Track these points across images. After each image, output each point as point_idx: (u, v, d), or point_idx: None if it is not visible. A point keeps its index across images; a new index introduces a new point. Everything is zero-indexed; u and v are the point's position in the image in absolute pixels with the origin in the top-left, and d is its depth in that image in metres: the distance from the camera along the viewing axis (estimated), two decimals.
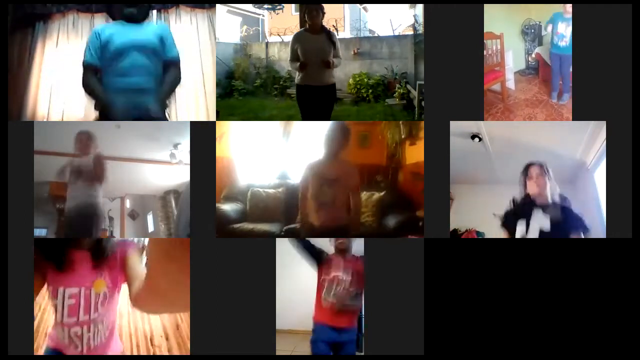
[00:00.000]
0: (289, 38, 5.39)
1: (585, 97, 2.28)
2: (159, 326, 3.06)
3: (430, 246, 2.22)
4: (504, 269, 2.19)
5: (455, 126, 2.30)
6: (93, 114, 2.69)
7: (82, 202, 2.80)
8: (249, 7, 6.76)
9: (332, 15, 5.17)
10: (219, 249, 2.22)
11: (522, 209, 2.20)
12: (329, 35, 2.85)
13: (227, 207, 3.47)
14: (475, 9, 2.31)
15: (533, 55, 3.03)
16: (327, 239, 2.44)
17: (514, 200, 2.23)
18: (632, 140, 2.23)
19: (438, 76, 2.30)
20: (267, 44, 6.14)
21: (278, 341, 2.21)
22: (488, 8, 2.33)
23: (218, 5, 4.28)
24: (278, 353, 2.22)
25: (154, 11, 3.33)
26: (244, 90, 5.64)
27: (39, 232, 3.31)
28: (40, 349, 2.06)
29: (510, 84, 2.94)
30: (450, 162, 2.26)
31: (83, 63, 2.47)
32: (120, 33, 2.45)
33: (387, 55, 5.41)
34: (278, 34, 6.30)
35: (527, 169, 2.20)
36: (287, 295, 2.37)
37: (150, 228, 5.08)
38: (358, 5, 6.43)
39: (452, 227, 2.29)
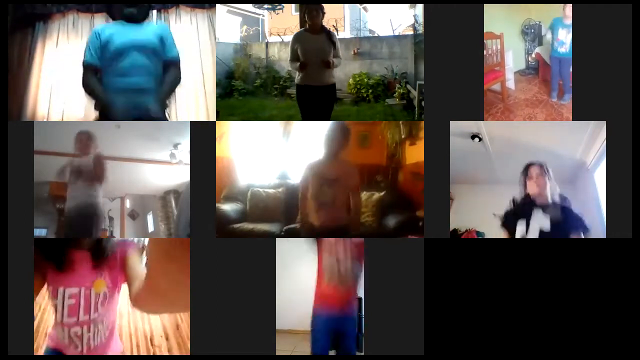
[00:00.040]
0: (289, 38, 5.39)
1: (585, 97, 2.28)
2: (159, 326, 3.06)
3: (430, 246, 2.22)
4: (504, 269, 2.19)
5: (455, 126, 2.30)
6: (93, 114, 2.69)
7: (82, 202, 2.80)
8: (249, 7, 6.77)
9: (332, 15, 5.17)
10: (219, 249, 2.22)
11: (522, 209, 2.20)
12: (329, 35, 2.85)
13: (227, 207, 3.47)
14: (475, 9, 2.31)
15: (533, 55, 3.03)
16: None
17: (514, 200, 2.23)
18: (632, 140, 2.23)
19: (438, 76, 2.30)
20: (267, 44, 6.14)
21: (278, 341, 2.21)
22: (488, 8, 2.33)
23: (218, 5, 4.29)
24: (278, 353, 2.22)
25: (154, 11, 3.33)
26: (244, 90, 5.64)
27: (39, 232, 3.31)
28: (40, 349, 2.06)
29: (510, 84, 2.94)
30: (450, 162, 2.26)
31: (83, 63, 2.47)
32: (120, 33, 2.45)
33: (387, 55, 5.41)
34: (278, 34, 6.30)
35: (527, 169, 2.20)
36: (287, 295, 2.37)
37: (150, 228, 5.08)
38: (358, 5, 6.43)
39: (452, 227, 2.29)
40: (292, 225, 2.89)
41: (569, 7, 2.46)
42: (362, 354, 2.26)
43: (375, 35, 5.90)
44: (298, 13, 4.93)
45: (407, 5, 4.90)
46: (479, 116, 2.33)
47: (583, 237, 2.14)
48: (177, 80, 2.57)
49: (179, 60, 2.56)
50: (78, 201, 2.80)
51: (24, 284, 2.15)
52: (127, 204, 5.09)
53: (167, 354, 2.75)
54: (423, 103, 2.38)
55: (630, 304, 2.15)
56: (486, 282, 2.19)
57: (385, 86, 5.23)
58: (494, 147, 2.69)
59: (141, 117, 2.43)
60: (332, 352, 2.56)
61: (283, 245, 2.31)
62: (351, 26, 6.56)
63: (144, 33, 2.47)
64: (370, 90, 5.20)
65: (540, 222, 2.15)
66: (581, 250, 2.18)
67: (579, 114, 2.29)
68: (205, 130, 2.34)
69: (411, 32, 5.15)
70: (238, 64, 5.85)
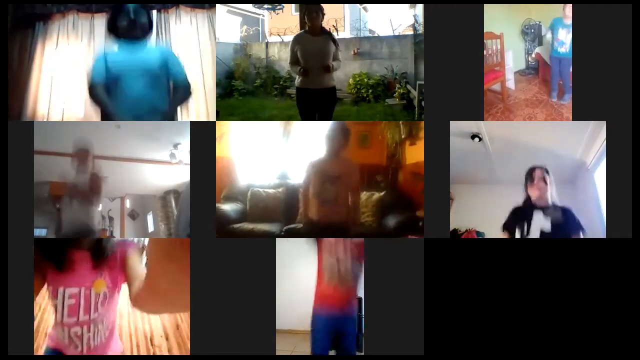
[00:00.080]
0: (289, 38, 5.40)
1: (585, 97, 2.28)
2: (159, 326, 3.06)
3: (430, 246, 2.22)
4: (504, 269, 2.19)
5: (455, 126, 2.30)
6: (94, 114, 2.69)
7: (77, 224, 2.76)
8: (249, 7, 6.76)
9: (332, 15, 5.17)
10: (219, 249, 2.22)
11: (524, 212, 2.22)
12: (329, 37, 2.84)
13: (227, 207, 3.47)
14: (475, 9, 2.31)
15: (533, 55, 3.03)
16: None
17: (515, 211, 2.25)
18: (632, 140, 2.23)
19: (438, 76, 2.30)
20: (267, 44, 6.14)
21: (278, 341, 2.21)
22: (488, 8, 2.33)
23: (218, 5, 4.29)
24: (278, 353, 2.22)
25: (154, 11, 3.33)
26: (244, 90, 5.64)
27: (39, 232, 3.31)
28: (40, 349, 2.06)
29: (510, 83, 2.94)
30: (450, 162, 2.26)
31: (89, 82, 2.49)
32: (125, 60, 2.47)
33: (387, 55, 5.41)
34: (278, 34, 6.30)
35: (530, 172, 2.22)
36: (287, 295, 2.37)
37: (150, 228, 5.09)
38: (358, 5, 6.43)
39: (452, 227, 2.29)
40: (292, 225, 2.89)
41: (569, 7, 2.46)
42: (362, 354, 2.26)
43: (375, 35, 5.89)
44: (298, 13, 4.93)
45: (407, 5, 4.90)
46: (479, 116, 2.33)
47: (582, 237, 2.15)
48: (185, 99, 2.66)
49: (188, 84, 2.60)
50: (73, 225, 2.77)
51: (23, 284, 2.15)
52: (127, 204, 5.10)
53: (167, 354, 2.75)
54: (423, 103, 2.39)
55: (630, 304, 2.15)
56: (486, 282, 2.19)
57: (385, 86, 5.23)
58: (494, 147, 2.69)
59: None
60: (332, 352, 2.56)
61: (283, 245, 2.31)
62: (351, 26, 6.55)
63: (149, 59, 2.49)
64: (370, 90, 5.20)
65: (541, 224, 2.16)
66: (581, 250, 2.18)
67: (579, 114, 2.29)
68: (205, 130, 2.34)
69: (411, 32, 5.15)
70: (238, 64, 5.85)
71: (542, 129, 2.57)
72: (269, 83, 5.77)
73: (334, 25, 5.21)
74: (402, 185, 3.50)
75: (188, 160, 2.30)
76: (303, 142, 3.51)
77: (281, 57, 5.88)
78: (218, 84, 4.81)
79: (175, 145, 3.74)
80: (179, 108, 2.76)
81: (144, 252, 1.80)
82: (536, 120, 2.64)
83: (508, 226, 2.25)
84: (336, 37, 2.94)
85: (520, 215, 2.23)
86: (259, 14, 7.00)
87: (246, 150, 3.72)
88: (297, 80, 2.89)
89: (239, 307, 2.20)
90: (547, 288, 2.18)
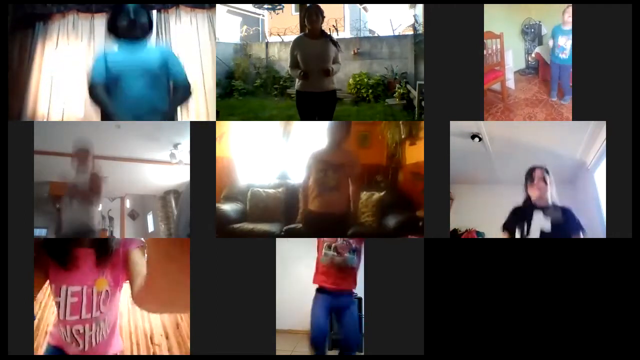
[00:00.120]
0: (289, 38, 5.40)
1: (585, 97, 2.28)
2: (159, 325, 3.06)
3: (430, 246, 2.22)
4: (504, 269, 2.19)
5: (455, 126, 2.30)
6: (94, 114, 2.69)
7: (77, 224, 2.77)
8: (249, 7, 6.76)
9: (332, 15, 5.17)
10: (219, 249, 2.22)
11: (524, 212, 2.22)
12: (329, 40, 2.83)
13: (227, 207, 3.47)
14: (475, 9, 2.32)
15: (533, 55, 3.03)
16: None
17: (515, 211, 2.25)
18: (632, 140, 2.23)
19: (438, 76, 2.30)
20: (267, 44, 6.14)
21: (278, 341, 2.21)
22: (488, 8, 2.33)
23: (218, 5, 4.28)
24: (278, 353, 2.22)
25: (154, 11, 3.33)
26: (244, 90, 5.65)
27: (39, 232, 3.31)
28: (41, 347, 2.06)
29: (510, 83, 2.94)
30: (450, 162, 2.27)
31: (89, 82, 2.49)
32: (125, 61, 2.47)
33: (387, 55, 5.41)
34: (278, 34, 6.31)
35: (530, 172, 2.22)
36: (287, 295, 2.37)
37: (150, 228, 5.09)
38: (358, 5, 6.43)
39: (452, 227, 2.29)
40: (292, 225, 2.89)
41: (568, 13, 2.46)
42: (362, 354, 2.26)
43: (375, 35, 5.89)
44: (298, 13, 4.93)
45: (407, 5, 4.90)
46: (479, 116, 2.33)
47: (582, 237, 2.15)
48: (185, 99, 2.66)
49: (188, 84, 2.61)
50: (73, 225, 2.77)
51: (24, 284, 2.15)
52: (127, 204, 5.10)
53: (167, 353, 2.75)
54: (423, 103, 2.39)
55: (630, 304, 2.15)
56: (486, 282, 2.19)
57: (385, 86, 5.23)
58: (494, 147, 2.69)
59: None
60: (332, 352, 2.57)
61: (283, 245, 2.31)
62: (351, 26, 6.56)
63: (149, 59, 2.50)
64: (370, 90, 5.20)
65: (541, 224, 2.16)
66: (581, 250, 2.18)
67: (579, 114, 2.29)
68: (205, 130, 2.34)
69: (411, 32, 5.15)
70: (238, 64, 5.85)
71: (542, 128, 2.57)
72: (269, 83, 5.77)
73: (334, 25, 5.21)
74: (402, 185, 3.50)
75: (188, 160, 2.30)
76: (303, 142, 3.51)
77: (281, 57, 5.88)
78: (218, 84, 4.82)
79: (175, 145, 3.74)
80: (179, 108, 2.76)
81: (146, 250, 1.81)
82: (536, 119, 2.64)
83: (508, 226, 2.26)
84: (336, 37, 2.94)
85: (520, 215, 2.24)
86: (259, 14, 7.00)
87: (246, 150, 3.71)
88: (297, 83, 2.88)
89: (239, 307, 2.20)
90: (547, 288, 2.18)
